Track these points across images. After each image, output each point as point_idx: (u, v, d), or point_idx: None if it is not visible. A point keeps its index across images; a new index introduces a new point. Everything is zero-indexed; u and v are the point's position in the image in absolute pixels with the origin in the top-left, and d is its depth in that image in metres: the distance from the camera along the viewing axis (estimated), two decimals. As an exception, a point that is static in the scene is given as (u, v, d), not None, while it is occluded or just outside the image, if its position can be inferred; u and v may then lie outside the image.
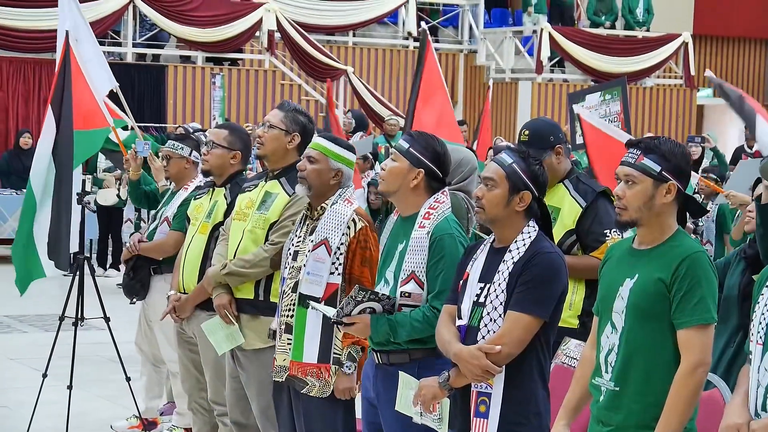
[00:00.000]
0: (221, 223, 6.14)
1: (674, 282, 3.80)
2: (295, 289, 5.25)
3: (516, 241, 4.32)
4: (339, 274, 5.17)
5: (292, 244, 5.37)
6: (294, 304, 5.25)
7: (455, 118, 8.44)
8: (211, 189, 6.37)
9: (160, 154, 7.56)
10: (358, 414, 5.42)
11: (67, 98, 7.58)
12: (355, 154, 5.50)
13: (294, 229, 5.45)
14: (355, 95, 19.80)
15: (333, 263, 5.17)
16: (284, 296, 5.33)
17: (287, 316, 5.29)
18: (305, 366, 5.21)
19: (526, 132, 5.68)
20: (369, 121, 17.72)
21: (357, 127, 16.13)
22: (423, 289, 4.69)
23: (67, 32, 7.91)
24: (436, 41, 23.37)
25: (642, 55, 22.15)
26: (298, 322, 5.24)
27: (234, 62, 20.03)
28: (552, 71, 22.61)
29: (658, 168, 3.87)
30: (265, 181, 5.87)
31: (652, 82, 22.89)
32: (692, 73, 22.59)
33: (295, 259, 5.31)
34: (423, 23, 8.60)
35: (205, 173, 6.40)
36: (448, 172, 4.96)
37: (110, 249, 14.75)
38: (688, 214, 4.06)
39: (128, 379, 7.41)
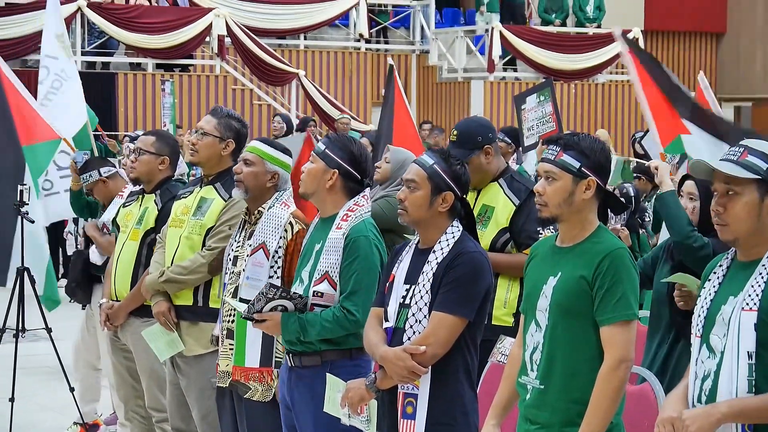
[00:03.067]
0: (153, 230, 6.14)
1: (596, 279, 3.83)
2: (235, 294, 5.26)
3: (440, 242, 4.35)
4: (278, 277, 5.19)
5: (232, 249, 5.39)
6: (235, 310, 5.24)
7: (416, 130, 8.50)
8: (140, 196, 6.36)
9: None
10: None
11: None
12: (292, 157, 5.53)
13: (233, 233, 5.46)
14: (307, 98, 19.77)
15: (272, 267, 5.18)
16: (225, 302, 5.33)
17: (229, 321, 5.30)
18: (248, 371, 5.23)
19: (455, 132, 5.71)
20: (310, 120, 17.67)
21: (288, 130, 16.15)
22: (335, 289, 4.73)
23: None
24: (387, 42, 23.42)
25: (593, 51, 22.22)
26: (240, 327, 5.25)
27: (185, 68, 19.96)
28: (504, 70, 22.67)
29: (577, 164, 3.90)
30: (200, 187, 5.88)
31: (604, 78, 22.99)
32: (643, 68, 22.69)
33: (234, 264, 5.34)
34: (390, 59, 8.67)
35: (135, 181, 6.40)
36: (366, 173, 4.95)
37: (61, 259, 14.66)
38: (609, 211, 4.10)
39: (72, 389, 7.38)
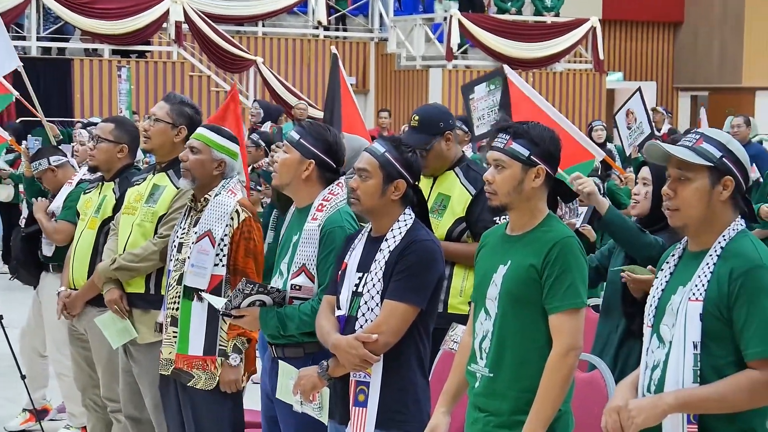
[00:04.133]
0: (111, 218, 6.09)
1: (545, 267, 3.83)
2: (180, 281, 5.22)
3: (392, 230, 4.34)
4: (223, 265, 5.15)
5: (177, 236, 5.34)
6: (179, 297, 5.22)
7: (361, 117, 8.42)
8: (100, 183, 6.31)
9: None
10: (246, 405, 5.42)
11: None
12: (238, 144, 5.48)
13: (179, 220, 5.42)
14: (265, 85, 19.73)
15: (217, 254, 5.15)
16: (170, 288, 5.30)
17: (173, 308, 5.26)
18: (191, 359, 5.19)
19: (416, 118, 5.68)
20: (282, 110, 17.63)
21: (265, 117, 16.06)
22: (314, 282, 4.67)
23: None
24: (345, 30, 23.38)
25: (551, 40, 22.30)
26: (184, 314, 5.21)
27: (141, 54, 19.86)
28: (463, 58, 22.69)
29: (526, 153, 3.89)
30: (153, 174, 5.83)
31: (561, 66, 23.06)
32: (601, 57, 22.80)
33: (179, 251, 5.28)
34: (333, 48, 8.60)
35: (93, 169, 6.35)
36: (341, 161, 4.90)
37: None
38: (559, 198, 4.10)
39: (23, 377, 7.33)
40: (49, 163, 7.23)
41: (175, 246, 5.33)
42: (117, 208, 6.06)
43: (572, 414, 3.97)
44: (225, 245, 5.15)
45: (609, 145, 13.72)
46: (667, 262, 3.59)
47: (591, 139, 15.33)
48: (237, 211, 5.20)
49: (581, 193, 5.22)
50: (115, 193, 6.14)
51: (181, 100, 5.84)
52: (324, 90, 21.23)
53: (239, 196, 5.28)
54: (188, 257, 5.18)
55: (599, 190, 9.34)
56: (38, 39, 19.00)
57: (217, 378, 5.16)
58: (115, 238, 5.88)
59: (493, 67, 21.42)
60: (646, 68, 25.62)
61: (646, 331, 3.53)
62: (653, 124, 11.28)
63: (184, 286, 5.18)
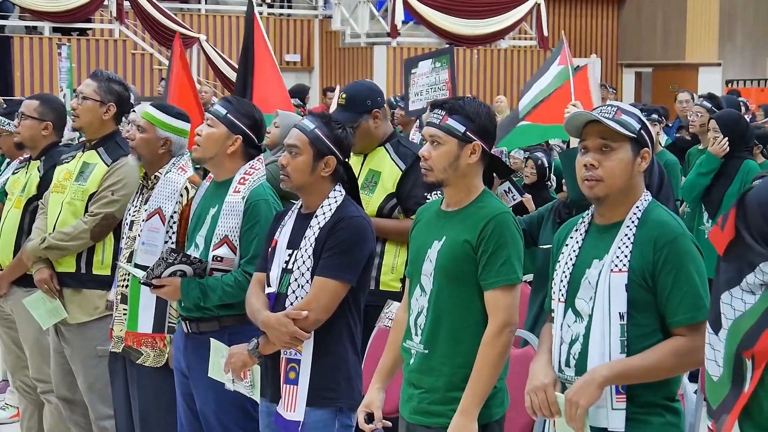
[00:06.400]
0: (36, 197, 6.01)
1: (480, 243, 3.81)
2: (130, 259, 5.19)
3: (322, 207, 4.31)
4: (173, 242, 5.12)
5: (129, 214, 5.32)
6: (129, 275, 5.18)
7: (285, 87, 8.33)
8: (27, 162, 6.23)
9: None
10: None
11: None
12: (188, 122, 5.42)
13: (131, 198, 5.39)
14: (208, 63, 19.58)
15: (167, 232, 5.12)
16: (120, 266, 5.26)
17: (123, 286, 5.24)
18: (140, 336, 5.16)
19: (344, 96, 5.67)
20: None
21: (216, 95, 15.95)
22: (236, 253, 4.68)
23: None
24: (290, 7, 23.25)
25: (495, 17, 22.31)
26: (133, 292, 5.17)
27: (83, 32, 19.63)
28: (407, 35, 22.65)
29: (462, 129, 3.87)
30: (83, 152, 5.76)
31: (506, 43, 23.09)
32: (545, 34, 22.85)
33: (131, 228, 5.26)
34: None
35: (19, 145, 6.26)
36: (263, 138, 4.94)
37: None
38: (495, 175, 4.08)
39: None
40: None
41: (126, 223, 5.31)
42: (41, 186, 5.98)
43: (507, 390, 3.96)
44: (175, 222, 5.13)
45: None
46: (571, 237, 3.58)
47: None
48: (186, 188, 5.19)
49: None
50: (39, 172, 6.05)
51: (108, 77, 5.78)
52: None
53: (189, 173, 5.25)
54: (139, 235, 5.15)
55: (544, 164, 9.40)
56: (-24, 17, 18.75)
57: (166, 355, 5.13)
58: (44, 216, 5.80)
59: (437, 44, 21.43)
60: (590, 45, 25.70)
61: (558, 306, 3.52)
62: (601, 101, 11.29)
63: (135, 263, 5.13)
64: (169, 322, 5.13)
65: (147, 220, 5.14)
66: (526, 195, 8.86)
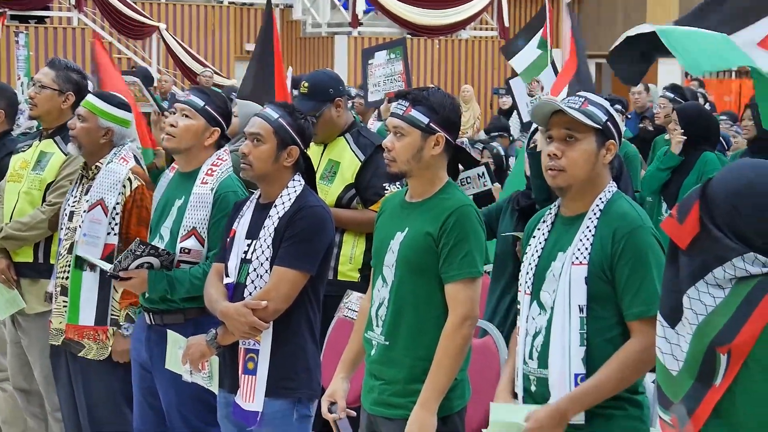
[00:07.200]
0: None
1: (441, 236, 3.80)
2: (71, 250, 5.15)
3: (281, 196, 4.29)
4: (116, 234, 5.09)
5: (68, 205, 5.27)
6: (70, 266, 5.14)
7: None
8: None
9: None
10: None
11: None
12: (130, 112, 5.38)
13: (70, 189, 5.32)
14: (168, 52, 19.49)
15: (110, 223, 5.08)
16: (60, 258, 5.23)
17: (63, 278, 5.19)
18: (82, 329, 5.12)
19: (306, 84, 5.66)
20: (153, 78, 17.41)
21: (143, 83, 15.78)
22: (203, 245, 4.64)
23: None
24: (250, -4, 23.17)
25: (456, 7, 22.31)
26: (74, 284, 5.13)
27: (40, 20, 19.48)
28: (369, 25, 22.63)
29: (426, 120, 3.85)
30: (40, 141, 5.71)
31: (467, 34, 23.11)
32: (506, 24, 22.87)
33: (71, 219, 5.21)
34: None
35: None
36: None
37: None
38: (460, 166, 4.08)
39: None
40: None
41: (66, 214, 5.25)
42: None
43: (469, 382, 3.96)
44: (117, 214, 5.09)
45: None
46: (539, 229, 3.58)
47: (498, 106, 15.40)
48: (129, 178, 5.14)
49: None
50: None
51: (66, 66, 5.74)
52: (228, 57, 21.09)
53: (131, 163, 5.21)
54: (80, 226, 5.10)
55: (500, 153, 9.43)
56: (-68, 4, 18.53)
57: (109, 348, 5.09)
58: (1, 206, 5.74)
59: (399, 34, 21.42)
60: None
61: (524, 298, 3.52)
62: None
63: (75, 255, 5.07)
64: (112, 315, 5.10)
65: (89, 212, 5.10)
66: (496, 184, 8.86)
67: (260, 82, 6.79)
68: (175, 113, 4.82)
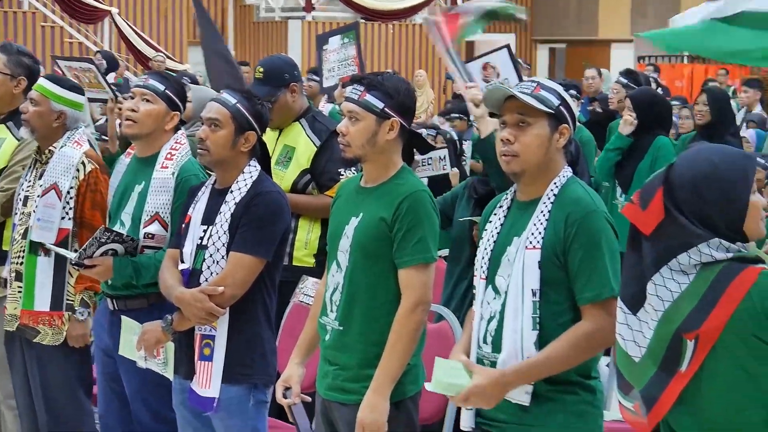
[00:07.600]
0: None
1: (395, 221, 3.80)
2: (25, 235, 5.11)
3: (237, 182, 4.29)
4: (70, 218, 5.05)
5: (23, 189, 5.23)
6: (24, 251, 5.10)
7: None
8: None
9: None
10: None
11: None
12: (83, 95, 5.34)
13: (24, 173, 5.29)
14: (121, 37, 19.34)
15: (63, 208, 5.05)
16: (14, 243, 5.19)
17: (17, 263, 5.15)
18: (36, 314, 5.09)
19: (261, 69, 5.64)
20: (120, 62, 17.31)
21: (108, 68, 15.72)
22: (167, 230, 4.64)
23: None
24: (203, -20, 23.03)
25: (411, -8, 22.32)
26: (29, 269, 5.10)
27: (-9, 4, 19.29)
28: (322, 10, 22.57)
29: (381, 105, 3.85)
30: (-8, 127, 5.66)
31: (421, 18, 23.08)
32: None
33: (25, 204, 5.17)
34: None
35: None
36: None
37: None
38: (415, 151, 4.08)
39: None
40: None
41: (20, 199, 5.21)
42: None
43: (423, 367, 3.96)
44: (71, 198, 5.06)
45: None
46: (495, 213, 3.60)
47: (452, 90, 15.34)
48: (83, 162, 5.11)
49: (473, 101, 5.05)
50: None
51: (18, 50, 5.68)
52: (181, 41, 20.97)
53: (85, 147, 5.17)
54: (34, 211, 5.06)
55: (453, 138, 9.43)
56: None
57: (64, 333, 5.07)
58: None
59: (353, 19, 21.38)
60: (505, 21, 25.80)
61: (480, 283, 3.53)
62: (522, 78, 11.28)
63: (30, 240, 5.04)
64: (67, 300, 5.07)
65: (42, 196, 5.06)
66: (455, 169, 8.87)
67: (231, 75, 6.86)
68: (133, 98, 4.80)
